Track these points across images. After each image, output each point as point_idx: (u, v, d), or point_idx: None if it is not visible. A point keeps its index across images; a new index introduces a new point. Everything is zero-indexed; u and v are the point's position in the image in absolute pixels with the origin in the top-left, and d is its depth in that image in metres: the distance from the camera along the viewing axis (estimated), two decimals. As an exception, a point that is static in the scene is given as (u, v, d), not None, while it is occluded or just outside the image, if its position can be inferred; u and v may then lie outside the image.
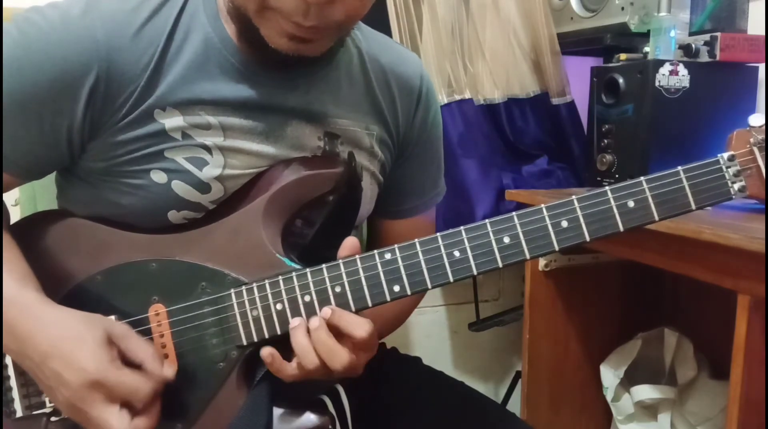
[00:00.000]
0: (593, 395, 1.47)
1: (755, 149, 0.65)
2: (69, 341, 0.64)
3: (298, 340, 0.67)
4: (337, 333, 0.67)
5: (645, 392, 1.37)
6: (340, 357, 0.66)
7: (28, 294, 0.67)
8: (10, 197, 0.81)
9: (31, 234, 0.74)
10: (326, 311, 0.67)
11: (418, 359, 0.99)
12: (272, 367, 0.68)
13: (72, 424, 0.73)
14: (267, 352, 0.67)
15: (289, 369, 0.68)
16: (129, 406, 0.65)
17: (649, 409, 1.40)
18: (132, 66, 0.70)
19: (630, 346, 1.42)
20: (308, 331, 0.67)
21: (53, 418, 0.73)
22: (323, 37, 0.69)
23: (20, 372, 0.73)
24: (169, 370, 0.68)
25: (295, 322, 0.68)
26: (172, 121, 0.72)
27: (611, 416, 1.45)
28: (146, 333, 0.73)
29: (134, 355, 0.67)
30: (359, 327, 0.66)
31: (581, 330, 1.45)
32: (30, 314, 0.66)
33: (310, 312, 0.69)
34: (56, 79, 0.68)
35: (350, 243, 0.70)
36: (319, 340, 0.66)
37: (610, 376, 1.40)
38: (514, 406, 1.63)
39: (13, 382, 0.73)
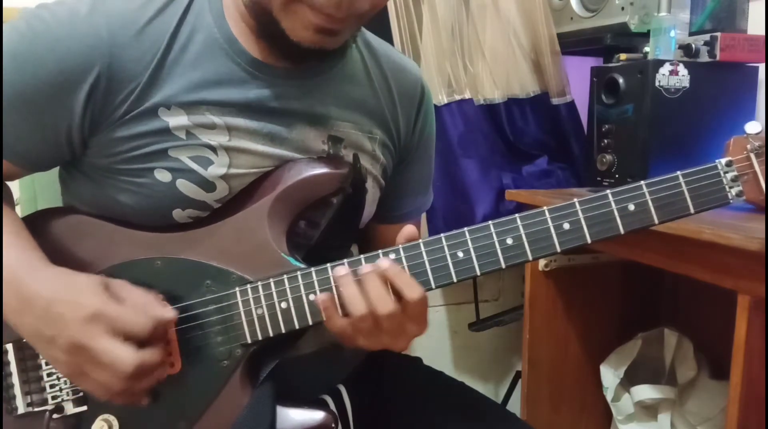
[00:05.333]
0: (593, 395, 1.47)
1: (752, 155, 0.66)
2: (70, 288, 0.66)
3: (347, 287, 0.66)
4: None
5: (645, 392, 1.37)
6: (386, 304, 0.65)
7: (34, 256, 0.69)
8: (10, 197, 0.81)
9: (35, 231, 0.74)
10: (384, 262, 0.66)
11: (418, 359, 0.99)
12: (327, 312, 0.68)
13: (73, 422, 0.73)
14: (326, 296, 0.67)
15: (339, 320, 0.67)
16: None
17: (649, 409, 1.41)
18: (134, 63, 0.70)
19: (630, 346, 1.42)
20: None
21: (55, 415, 0.73)
22: (347, 28, 0.69)
23: (22, 369, 0.73)
24: (168, 311, 0.69)
25: (341, 271, 0.67)
26: (177, 119, 0.72)
27: (611, 416, 1.45)
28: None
29: (132, 301, 0.68)
30: (413, 288, 0.65)
31: (581, 330, 1.45)
32: (37, 271, 0.68)
33: (315, 311, 0.69)
34: (58, 73, 0.69)
35: (408, 231, 0.69)
36: (369, 282, 0.66)
37: (610, 376, 1.40)
38: (514, 406, 1.63)
39: (15, 379, 0.73)
